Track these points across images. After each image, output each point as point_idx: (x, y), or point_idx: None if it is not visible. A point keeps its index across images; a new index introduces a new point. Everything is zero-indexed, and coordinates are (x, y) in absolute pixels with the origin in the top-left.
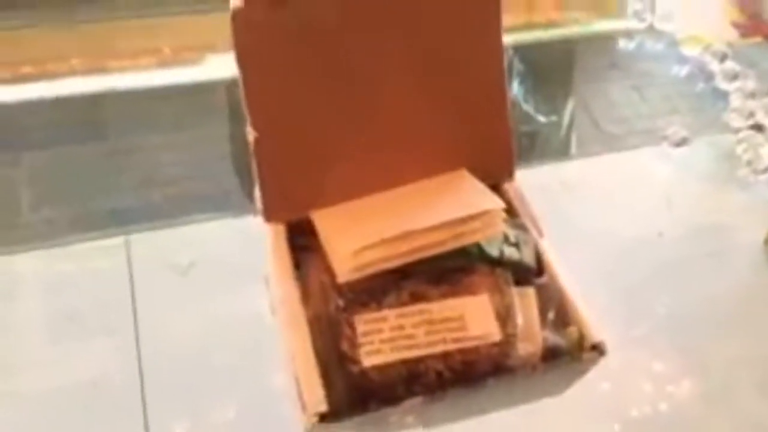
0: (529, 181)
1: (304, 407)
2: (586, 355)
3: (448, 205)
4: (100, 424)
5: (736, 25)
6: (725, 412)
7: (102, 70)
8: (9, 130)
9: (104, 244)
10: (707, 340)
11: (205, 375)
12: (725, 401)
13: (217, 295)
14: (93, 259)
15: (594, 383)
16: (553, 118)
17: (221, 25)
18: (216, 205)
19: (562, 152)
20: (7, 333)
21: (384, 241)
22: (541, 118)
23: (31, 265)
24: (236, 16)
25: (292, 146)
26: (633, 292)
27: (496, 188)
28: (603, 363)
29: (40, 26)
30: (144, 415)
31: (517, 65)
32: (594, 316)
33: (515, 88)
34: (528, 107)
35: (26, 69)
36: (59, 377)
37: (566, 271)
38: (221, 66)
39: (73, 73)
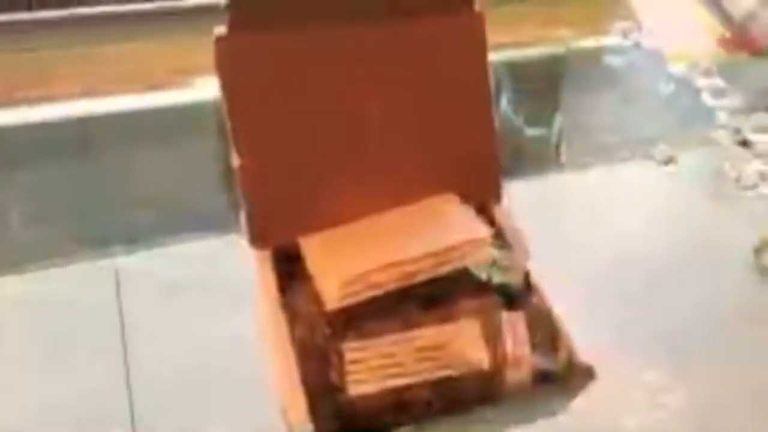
0: (518, 194)
1: None
2: (576, 379)
3: (436, 232)
4: None
5: (721, 41)
6: (717, 423)
7: (91, 93)
8: None
9: (93, 266)
10: (700, 351)
11: (195, 397)
12: (717, 412)
13: (206, 316)
14: (81, 281)
15: (584, 400)
16: (542, 132)
17: (209, 48)
18: (205, 224)
19: (551, 166)
20: None
21: (372, 270)
22: (530, 132)
23: (17, 286)
24: (220, 44)
25: (278, 172)
26: (624, 305)
27: (484, 211)
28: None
29: (34, 51)
30: None
31: (507, 81)
32: (584, 335)
33: (504, 104)
34: (518, 121)
35: (17, 93)
36: (47, 400)
37: (555, 293)
38: (209, 87)
39: (62, 96)
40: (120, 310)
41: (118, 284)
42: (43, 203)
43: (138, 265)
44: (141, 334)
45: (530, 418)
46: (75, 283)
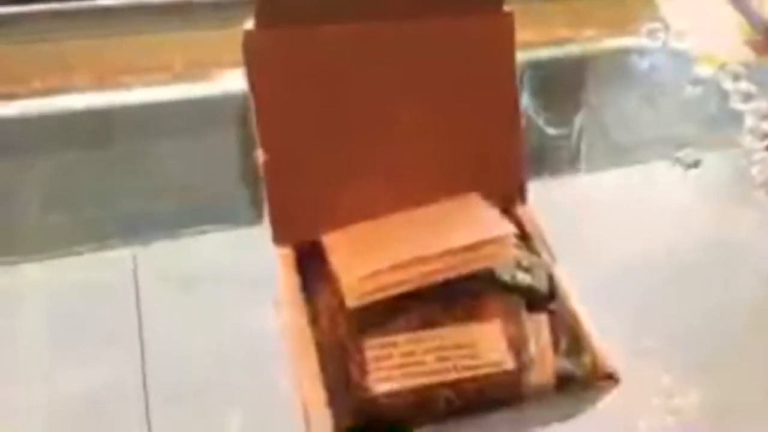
0: (538, 193)
1: None
2: (600, 384)
3: (460, 230)
4: None
5: (750, 44)
6: (733, 426)
7: (112, 84)
8: (18, 139)
9: (110, 255)
10: (717, 355)
11: (211, 390)
12: (733, 416)
13: (224, 308)
14: (99, 270)
15: (600, 403)
16: (564, 131)
17: (232, 40)
18: (225, 216)
19: (571, 166)
20: (9, 343)
21: (394, 267)
22: (551, 131)
23: (35, 274)
24: (247, 39)
25: (303, 168)
26: (642, 307)
27: (508, 212)
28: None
29: (54, 41)
30: (148, 429)
31: (530, 80)
32: (601, 336)
33: (525, 103)
34: (539, 120)
35: (38, 82)
36: (62, 389)
37: (579, 296)
38: (231, 80)
39: (83, 86)
40: (137, 301)
41: (136, 275)
42: (62, 192)
43: (156, 256)
44: (158, 325)
45: (549, 421)
46: (92, 273)
